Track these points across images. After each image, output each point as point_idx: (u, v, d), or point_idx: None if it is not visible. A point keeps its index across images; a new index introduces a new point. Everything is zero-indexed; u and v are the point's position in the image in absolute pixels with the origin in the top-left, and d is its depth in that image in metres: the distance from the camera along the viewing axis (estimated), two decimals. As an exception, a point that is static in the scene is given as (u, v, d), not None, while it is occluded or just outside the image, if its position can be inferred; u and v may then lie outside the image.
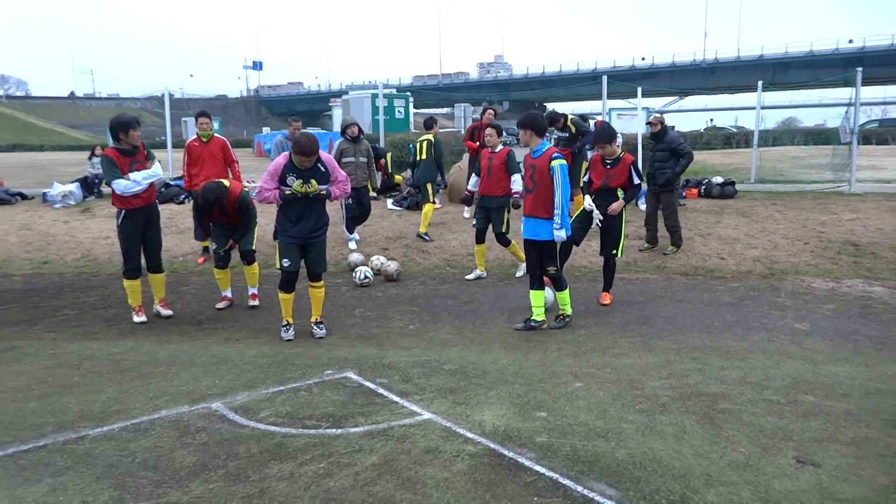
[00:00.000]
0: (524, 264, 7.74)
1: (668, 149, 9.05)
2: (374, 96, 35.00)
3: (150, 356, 5.60)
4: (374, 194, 10.33)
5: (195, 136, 8.63)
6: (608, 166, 6.86)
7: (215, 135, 8.65)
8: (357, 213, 9.68)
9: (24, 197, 13.70)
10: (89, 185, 13.71)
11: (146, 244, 6.60)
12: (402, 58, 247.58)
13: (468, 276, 8.44)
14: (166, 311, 6.87)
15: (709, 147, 32.30)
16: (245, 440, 3.97)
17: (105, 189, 13.82)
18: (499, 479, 3.46)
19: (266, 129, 52.72)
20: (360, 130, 9.62)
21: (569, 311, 6.35)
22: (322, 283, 6.19)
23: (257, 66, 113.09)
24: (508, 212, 7.96)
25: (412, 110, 40.20)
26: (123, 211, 6.39)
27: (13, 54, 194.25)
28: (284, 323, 6.08)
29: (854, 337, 5.89)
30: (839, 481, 3.40)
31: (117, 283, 8.64)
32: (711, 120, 68.32)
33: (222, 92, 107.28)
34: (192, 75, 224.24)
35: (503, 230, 7.95)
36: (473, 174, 8.25)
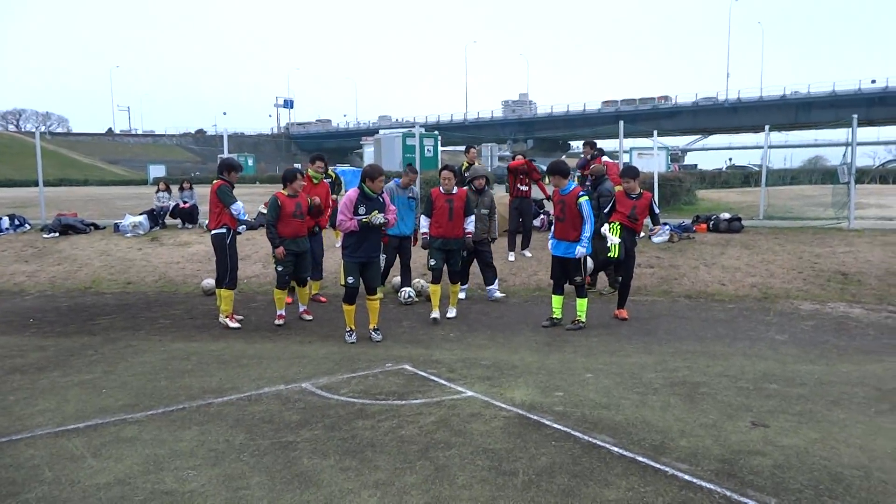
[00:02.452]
0: (437, 311, 8.35)
1: (598, 198, 9.65)
2: (405, 136, 36.84)
3: (243, 352, 6.93)
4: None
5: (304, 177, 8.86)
6: (633, 199, 8.21)
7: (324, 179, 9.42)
8: (468, 265, 9.52)
9: (96, 227, 15.30)
10: (155, 217, 15.28)
11: None
12: (428, 96, 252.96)
13: (432, 316, 8.33)
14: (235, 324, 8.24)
15: (727, 185, 33.43)
16: (333, 406, 5.24)
17: (170, 220, 15.41)
18: (526, 431, 4.68)
19: (297, 165, 54.60)
20: (488, 182, 9.69)
21: (584, 318, 7.75)
22: (378, 295, 7.50)
23: (288, 104, 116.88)
24: (464, 251, 8.47)
25: (440, 149, 41.87)
26: (231, 231, 7.89)
27: (55, 92, 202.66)
28: (348, 329, 7.39)
29: (824, 346, 7.04)
30: (780, 435, 4.57)
31: (196, 300, 10.10)
32: (730, 159, 69.24)
33: (255, 128, 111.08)
34: (225, 113, 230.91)
35: (460, 268, 8.52)
36: (423, 216, 8.38)
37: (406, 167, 9.85)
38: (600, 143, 12.60)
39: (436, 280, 8.42)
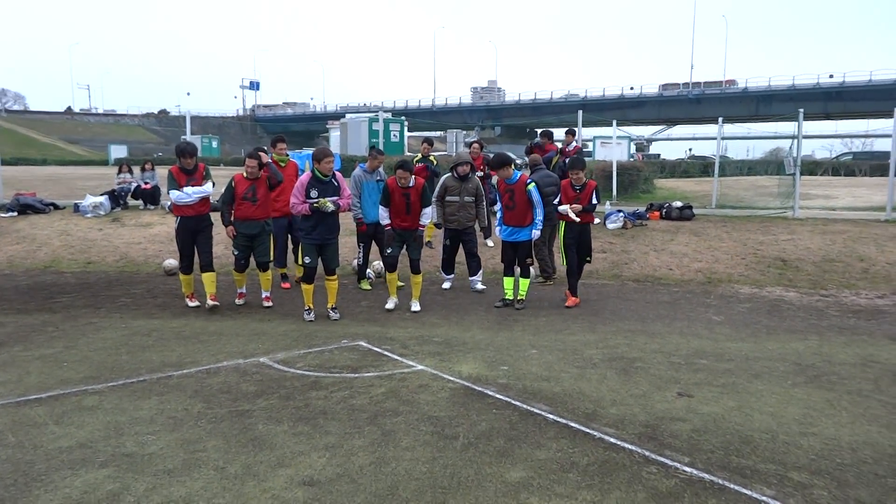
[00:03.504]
0: (394, 299, 8.33)
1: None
2: (372, 120, 36.81)
3: (203, 329, 7.14)
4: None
5: (271, 161, 8.62)
6: (577, 191, 8.43)
7: (290, 158, 9.37)
8: (453, 254, 9.50)
9: (56, 207, 15.18)
10: (116, 198, 15.22)
11: (198, 247, 8.06)
12: (396, 81, 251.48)
13: (387, 306, 8.27)
14: (213, 302, 8.07)
15: (686, 175, 34.26)
16: (289, 379, 5.51)
17: (132, 202, 15.37)
18: (470, 401, 5.01)
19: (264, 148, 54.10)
20: (473, 168, 9.42)
21: (524, 296, 8.34)
22: (336, 276, 7.76)
23: (254, 86, 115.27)
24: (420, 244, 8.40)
25: (406, 134, 41.98)
26: (179, 217, 7.93)
27: (11, 68, 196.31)
28: (306, 308, 7.63)
29: (755, 326, 7.51)
30: (702, 404, 4.98)
31: (158, 279, 10.22)
32: (690, 149, 70.45)
33: (220, 110, 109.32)
34: (189, 93, 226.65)
35: (420, 256, 8.38)
36: (382, 206, 8.21)
37: (371, 150, 9.47)
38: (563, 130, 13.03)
39: (392, 268, 8.34)
